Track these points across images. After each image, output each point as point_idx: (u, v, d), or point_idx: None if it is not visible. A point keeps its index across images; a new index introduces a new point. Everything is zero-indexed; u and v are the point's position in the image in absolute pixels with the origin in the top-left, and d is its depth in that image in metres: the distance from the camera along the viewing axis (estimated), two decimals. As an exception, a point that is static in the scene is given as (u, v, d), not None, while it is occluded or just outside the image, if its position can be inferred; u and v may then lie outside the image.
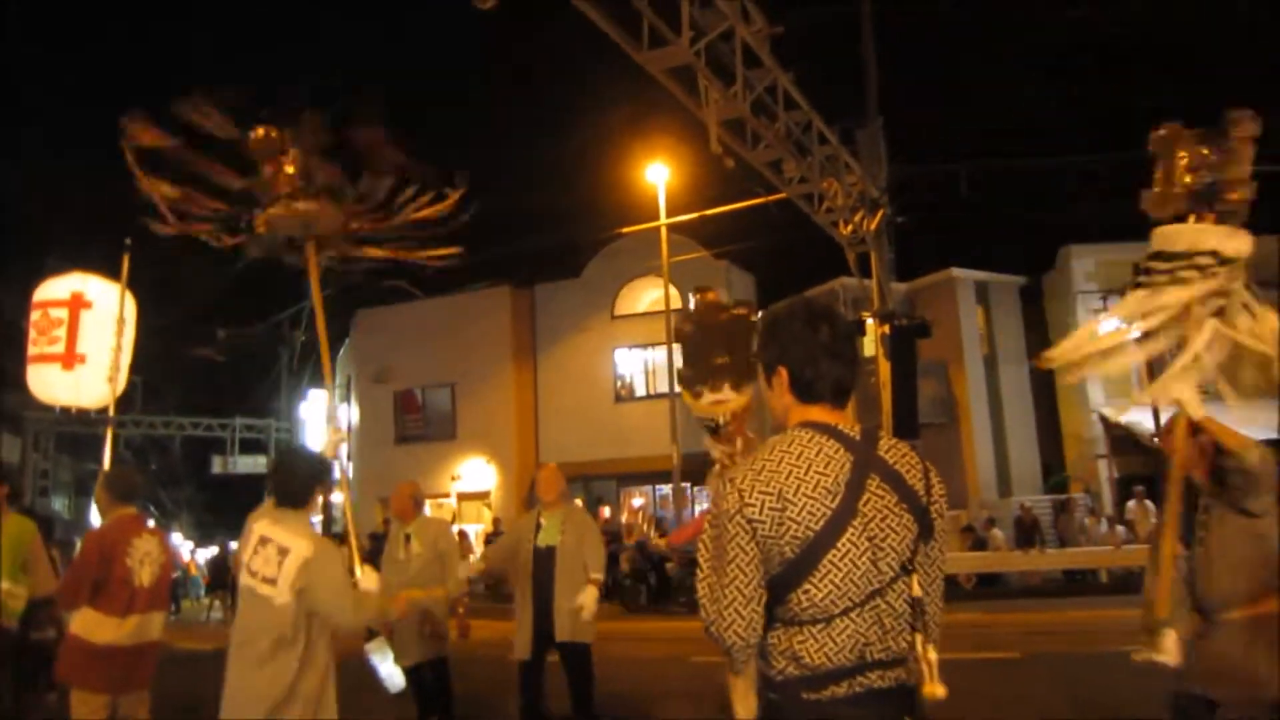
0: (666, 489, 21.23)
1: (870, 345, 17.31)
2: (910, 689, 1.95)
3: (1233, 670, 3.67)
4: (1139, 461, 19.68)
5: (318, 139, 4.97)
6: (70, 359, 6.37)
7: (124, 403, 11.62)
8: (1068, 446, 22.27)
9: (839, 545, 1.91)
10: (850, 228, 16.77)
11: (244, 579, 3.73)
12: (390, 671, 4.93)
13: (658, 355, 22.40)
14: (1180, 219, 4.10)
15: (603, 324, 24.19)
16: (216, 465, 30.20)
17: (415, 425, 26.02)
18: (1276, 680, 3.57)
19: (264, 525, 3.78)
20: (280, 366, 29.62)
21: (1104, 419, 20.67)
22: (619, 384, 24.21)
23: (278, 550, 3.67)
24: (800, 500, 1.92)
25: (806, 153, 13.94)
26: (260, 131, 4.87)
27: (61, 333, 6.38)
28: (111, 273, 6.65)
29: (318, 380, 29.81)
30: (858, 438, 2.02)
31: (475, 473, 24.95)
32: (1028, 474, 22.10)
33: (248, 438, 29.23)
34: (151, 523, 5.54)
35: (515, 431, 24.77)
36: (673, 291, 20.68)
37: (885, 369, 16.77)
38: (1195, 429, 3.84)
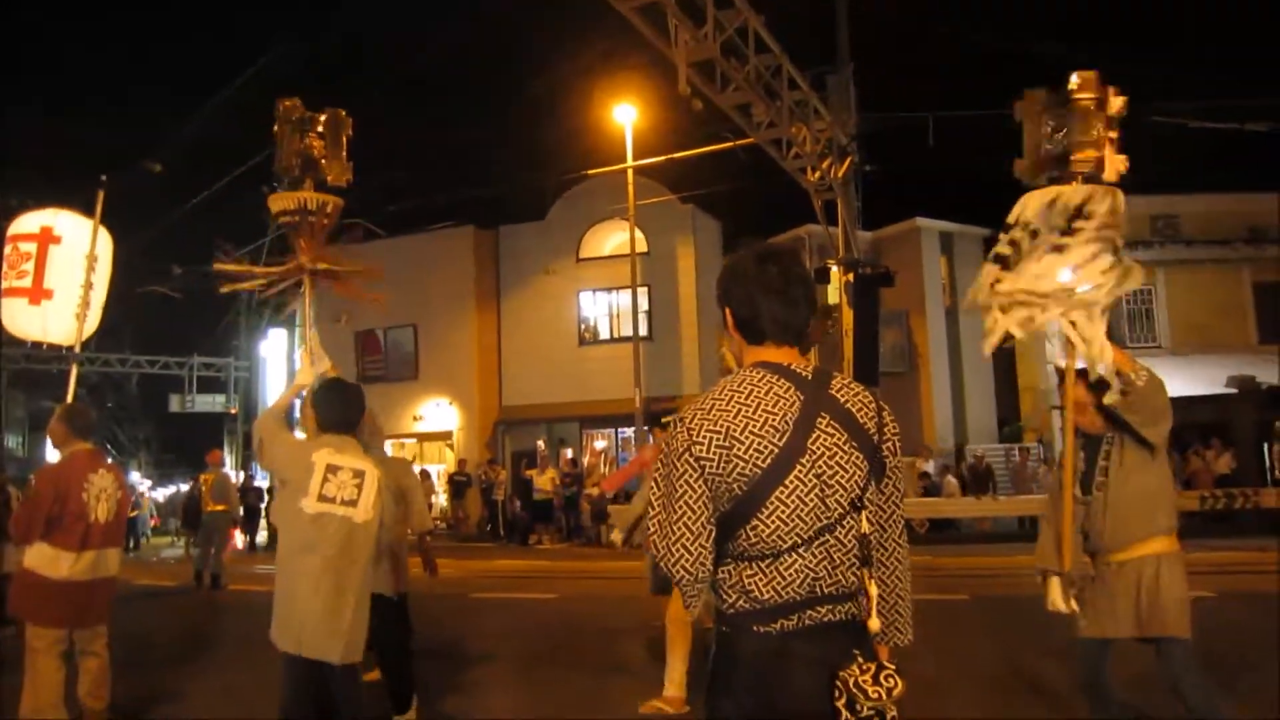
0: (629, 432, 21.38)
1: (834, 293, 17.43)
2: (860, 624, 2.00)
3: (1123, 610, 3.86)
4: (1090, 413, 20.05)
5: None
6: (37, 294, 6.28)
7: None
8: (1023, 398, 22.71)
9: (786, 483, 1.93)
10: (818, 175, 16.74)
11: (312, 506, 3.81)
12: None
13: (622, 299, 22.35)
14: (1054, 183, 4.14)
15: (567, 267, 24.05)
16: (174, 404, 29.87)
17: (376, 366, 25.83)
18: (1157, 618, 3.78)
19: (326, 454, 3.89)
20: (239, 305, 29.16)
21: (1059, 371, 21.02)
22: (583, 327, 24.18)
23: (352, 474, 3.88)
24: (747, 439, 1.94)
25: (776, 97, 13.84)
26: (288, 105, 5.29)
27: (29, 267, 6.27)
28: (86, 209, 6.52)
29: (278, 319, 29.41)
30: (809, 377, 2.04)
31: (437, 414, 24.91)
32: (984, 423, 22.55)
33: (206, 376, 28.90)
34: (109, 459, 5.51)
35: (478, 373, 24.70)
36: (638, 235, 20.57)
37: (848, 317, 16.92)
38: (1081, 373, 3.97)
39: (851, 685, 1.88)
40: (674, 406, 6.36)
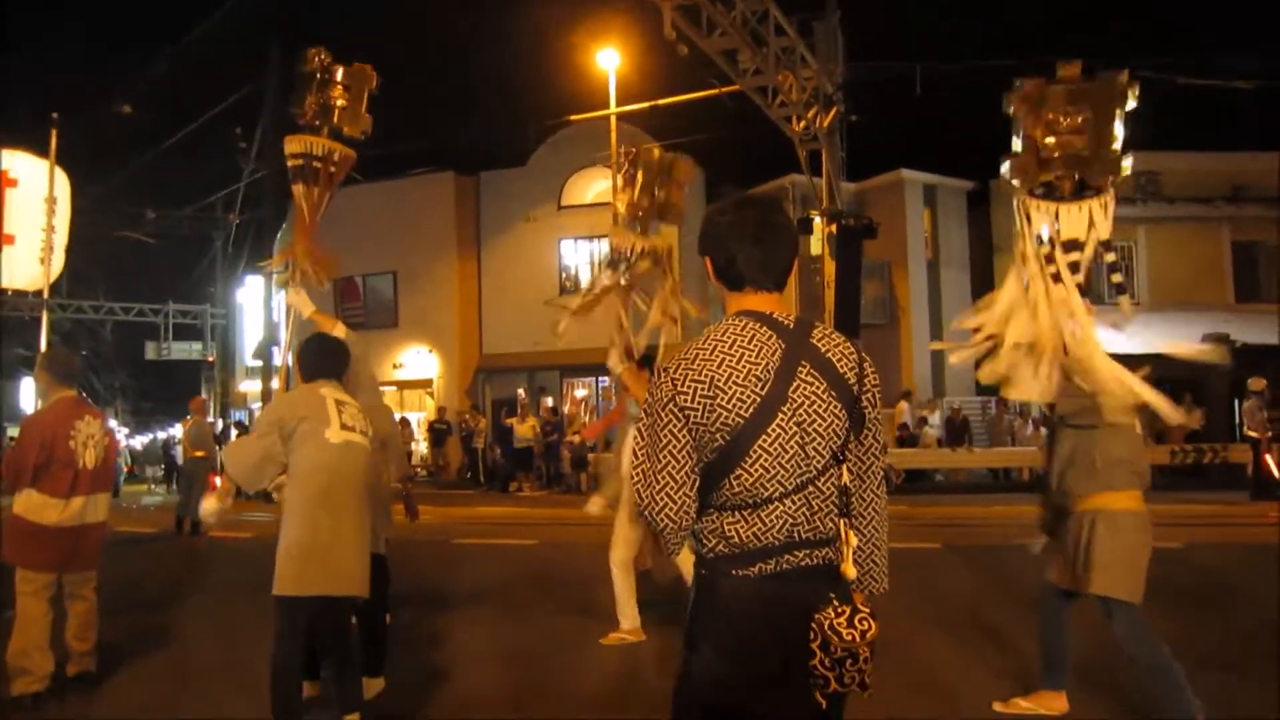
0: (610, 381, 21.41)
1: (817, 244, 17.40)
2: (836, 569, 2.04)
3: (1067, 561, 4.03)
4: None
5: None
6: None
7: (51, 286, 11.25)
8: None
9: (769, 431, 1.95)
10: (803, 124, 16.60)
11: (337, 435, 3.88)
12: None
13: (604, 247, 22.22)
14: (1049, 186, 4.13)
15: (549, 214, 23.84)
16: (150, 351, 29.54)
17: (356, 313, 25.63)
18: (1086, 574, 3.91)
19: (331, 391, 4.01)
20: (214, 250, 28.75)
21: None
22: (564, 275, 24.05)
23: (355, 407, 4.07)
24: (730, 388, 1.95)
25: (762, 44, 13.67)
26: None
27: (-13, 212, 6.12)
28: (41, 150, 6.35)
29: (254, 265, 29.06)
30: (791, 325, 2.05)
31: (417, 361, 24.83)
32: (962, 376, 22.72)
33: (182, 323, 28.56)
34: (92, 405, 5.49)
35: (458, 321, 24.59)
36: (620, 183, 20.38)
37: (830, 268, 16.92)
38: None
39: (826, 628, 1.92)
40: (651, 353, 6.35)
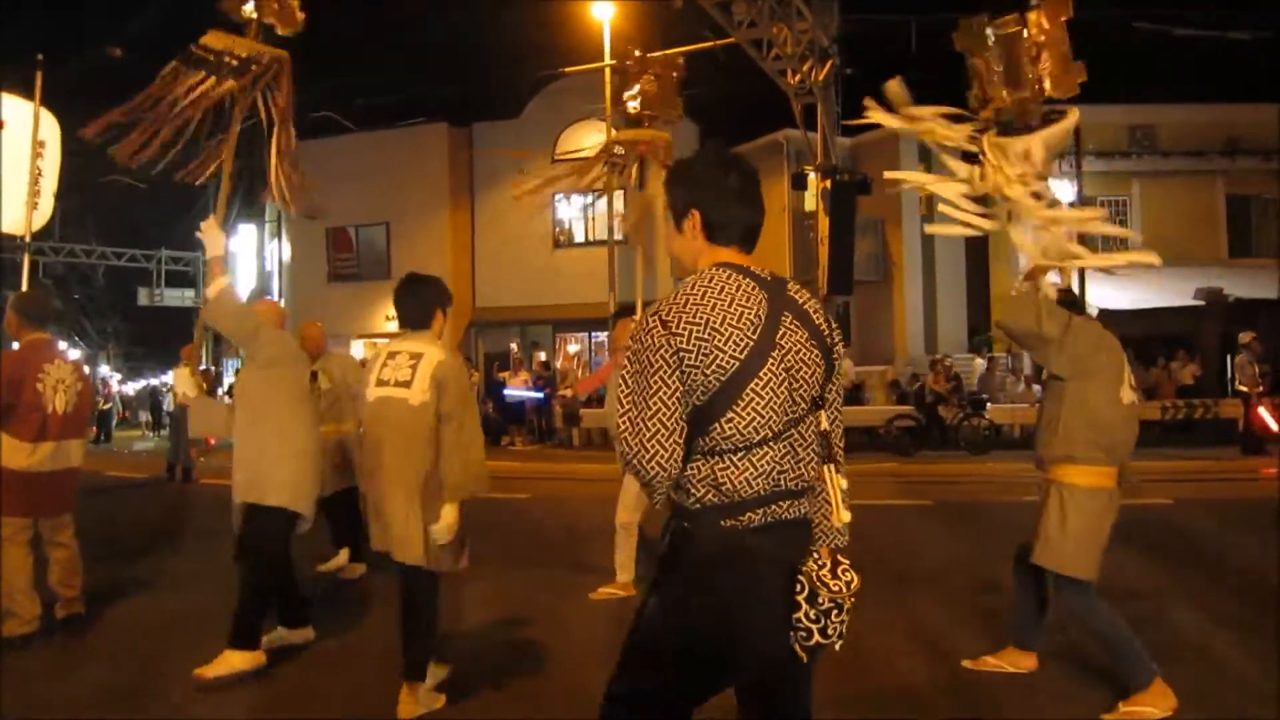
0: (602, 336, 21.41)
1: (810, 200, 17.32)
2: (809, 522, 2.08)
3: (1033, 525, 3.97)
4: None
5: None
6: None
7: (42, 230, 11.08)
8: (995, 308, 22.88)
9: (760, 375, 1.97)
10: (798, 77, 16.43)
11: (373, 392, 3.86)
12: None
13: (598, 201, 22.08)
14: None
15: (542, 168, 23.58)
16: (142, 297, 29.42)
17: (348, 264, 25.53)
18: (1036, 544, 3.88)
19: (392, 345, 3.99)
20: (207, 197, 28.48)
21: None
22: (558, 229, 23.92)
23: (409, 356, 3.84)
24: (726, 330, 1.97)
25: (758, -5, 13.46)
26: None
27: (-27, 156, 6.03)
28: (28, 92, 6.25)
29: (246, 213, 28.84)
30: (769, 278, 2.09)
31: (412, 313, 24.75)
32: (954, 333, 22.75)
33: (175, 270, 28.44)
34: (75, 351, 5.47)
35: (451, 273, 24.44)
36: (614, 135, 20.16)
37: (824, 224, 16.86)
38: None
39: (814, 579, 1.97)
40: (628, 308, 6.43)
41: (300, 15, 5.05)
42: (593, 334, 22.87)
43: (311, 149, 25.20)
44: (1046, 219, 3.90)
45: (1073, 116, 4.02)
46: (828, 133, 16.95)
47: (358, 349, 23.99)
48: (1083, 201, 19.56)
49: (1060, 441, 3.83)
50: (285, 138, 5.16)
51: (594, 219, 23.26)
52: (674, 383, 1.95)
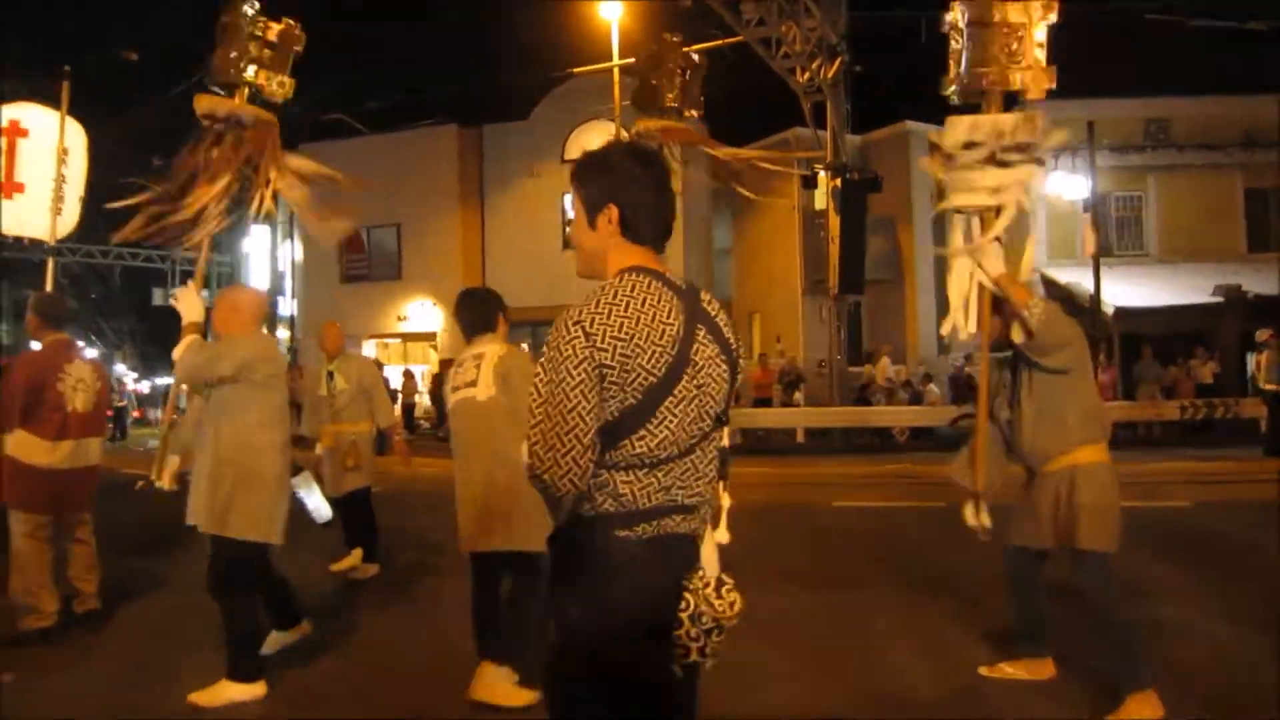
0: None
1: (821, 199, 17.26)
2: (696, 539, 2.01)
3: (1044, 521, 3.95)
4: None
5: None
6: (9, 188, 6.26)
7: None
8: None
9: (675, 392, 1.92)
10: (807, 75, 16.38)
11: (450, 400, 4.07)
12: (318, 504, 5.10)
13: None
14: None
15: (552, 168, 23.63)
16: (158, 297, 29.64)
17: (360, 265, 25.61)
18: (1069, 530, 3.86)
19: (459, 355, 4.14)
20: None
21: (1045, 280, 21.05)
22: (567, 230, 23.90)
23: (473, 358, 4.04)
24: (649, 346, 1.90)
25: (767, -7, 13.43)
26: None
27: (0, 161, 6.21)
28: (53, 101, 6.39)
29: (259, 216, 28.95)
30: (684, 286, 2.02)
31: (421, 314, 24.81)
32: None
33: (189, 270, 28.53)
34: (92, 351, 5.54)
35: (462, 274, 24.51)
36: (624, 137, 20.15)
37: (835, 223, 16.80)
38: (997, 302, 4.10)
39: (699, 597, 1.91)
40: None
41: (291, 81, 5.09)
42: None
43: (323, 151, 25.28)
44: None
45: (1036, 115, 4.07)
46: (837, 130, 16.90)
47: (369, 349, 24.06)
48: (1096, 201, 19.36)
49: (1076, 427, 3.88)
50: (290, 188, 5.10)
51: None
52: (593, 397, 1.86)
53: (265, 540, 4.15)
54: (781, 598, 5.56)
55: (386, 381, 21.42)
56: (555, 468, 1.85)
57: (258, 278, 28.74)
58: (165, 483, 4.72)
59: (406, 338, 25.08)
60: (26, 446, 4.84)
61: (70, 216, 6.41)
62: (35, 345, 5.31)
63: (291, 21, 5.10)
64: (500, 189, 24.44)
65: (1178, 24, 16.11)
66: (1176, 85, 20.84)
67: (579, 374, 1.86)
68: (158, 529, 8.45)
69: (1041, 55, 4.17)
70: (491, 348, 4.05)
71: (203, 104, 4.93)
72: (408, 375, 21.94)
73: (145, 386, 39.87)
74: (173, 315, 4.58)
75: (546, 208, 23.88)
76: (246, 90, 4.99)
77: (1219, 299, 18.84)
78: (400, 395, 20.10)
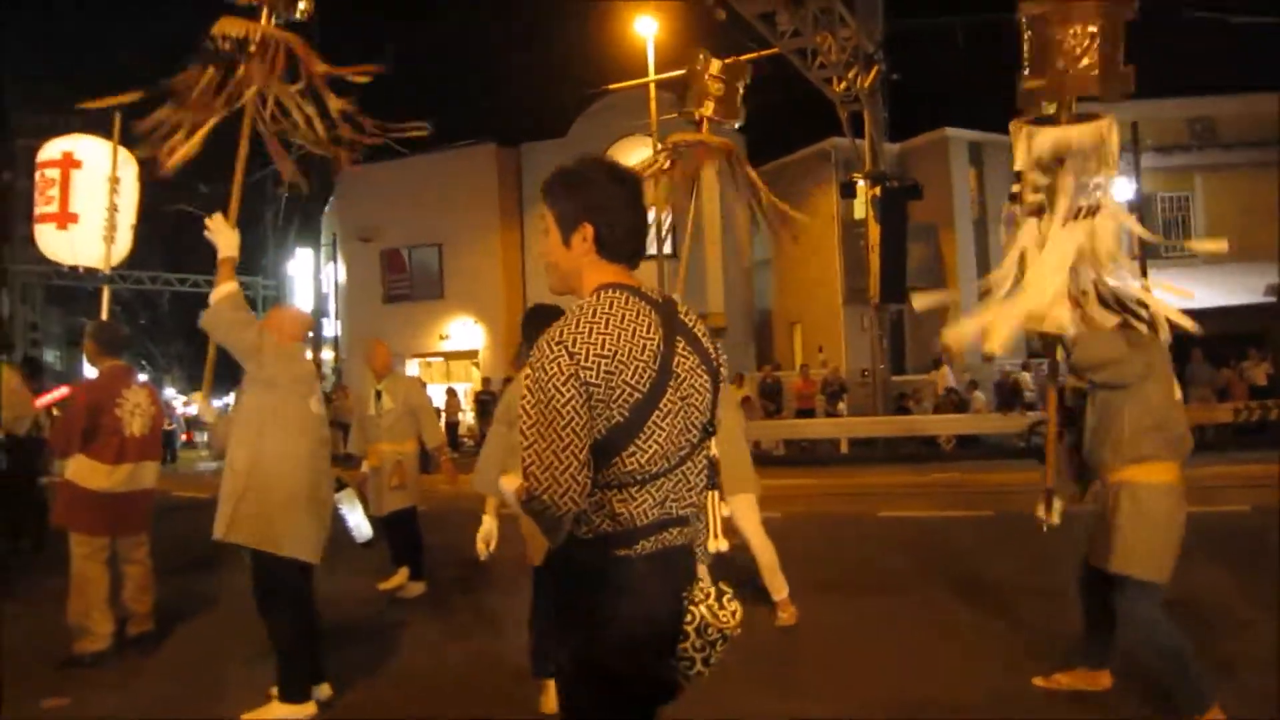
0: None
1: (860, 208, 17.18)
2: (694, 549, 2.02)
3: (1096, 537, 3.87)
4: (1122, 326, 19.89)
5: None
6: (64, 218, 6.44)
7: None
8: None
9: (661, 406, 1.92)
10: (844, 85, 16.34)
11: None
12: (359, 521, 5.13)
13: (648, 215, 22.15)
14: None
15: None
16: (205, 323, 30.30)
17: (402, 285, 25.93)
18: (1104, 549, 3.76)
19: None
20: (265, 223, 29.27)
21: (1093, 285, 20.73)
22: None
23: None
24: (631, 363, 1.90)
25: (800, 4, 13.45)
26: None
27: (55, 193, 6.42)
28: (106, 132, 6.60)
29: (304, 238, 29.49)
30: (660, 300, 2.02)
31: (463, 332, 25.06)
32: (1013, 338, 22.32)
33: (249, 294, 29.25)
34: (143, 376, 5.67)
35: (503, 292, 24.75)
36: (661, 150, 20.24)
37: (875, 232, 16.70)
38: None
39: (703, 610, 1.92)
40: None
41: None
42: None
43: (367, 173, 25.79)
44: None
45: (1107, 120, 3.96)
46: (875, 139, 16.81)
47: (412, 368, 24.34)
48: (1142, 201, 19.08)
49: (1129, 443, 3.74)
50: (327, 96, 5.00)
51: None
52: (584, 414, 1.86)
53: (293, 556, 4.05)
54: (825, 607, 5.57)
55: (454, 396, 21.79)
56: (555, 486, 1.83)
57: (302, 299, 29.28)
58: None
59: (449, 356, 25.32)
60: (86, 471, 4.97)
61: (123, 245, 6.58)
62: (91, 371, 5.45)
63: None
64: (539, 206, 24.60)
65: (1220, 22, 15.84)
66: (1220, 84, 20.52)
67: (568, 391, 1.85)
68: (210, 548, 8.63)
69: (1116, 55, 3.97)
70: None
71: (224, 26, 4.80)
72: (450, 393, 22.14)
73: (194, 410, 40.68)
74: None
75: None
76: (270, 16, 4.83)
77: (1271, 299, 18.44)
78: (444, 414, 20.28)
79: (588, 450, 1.86)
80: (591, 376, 1.86)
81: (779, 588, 5.37)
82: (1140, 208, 19.17)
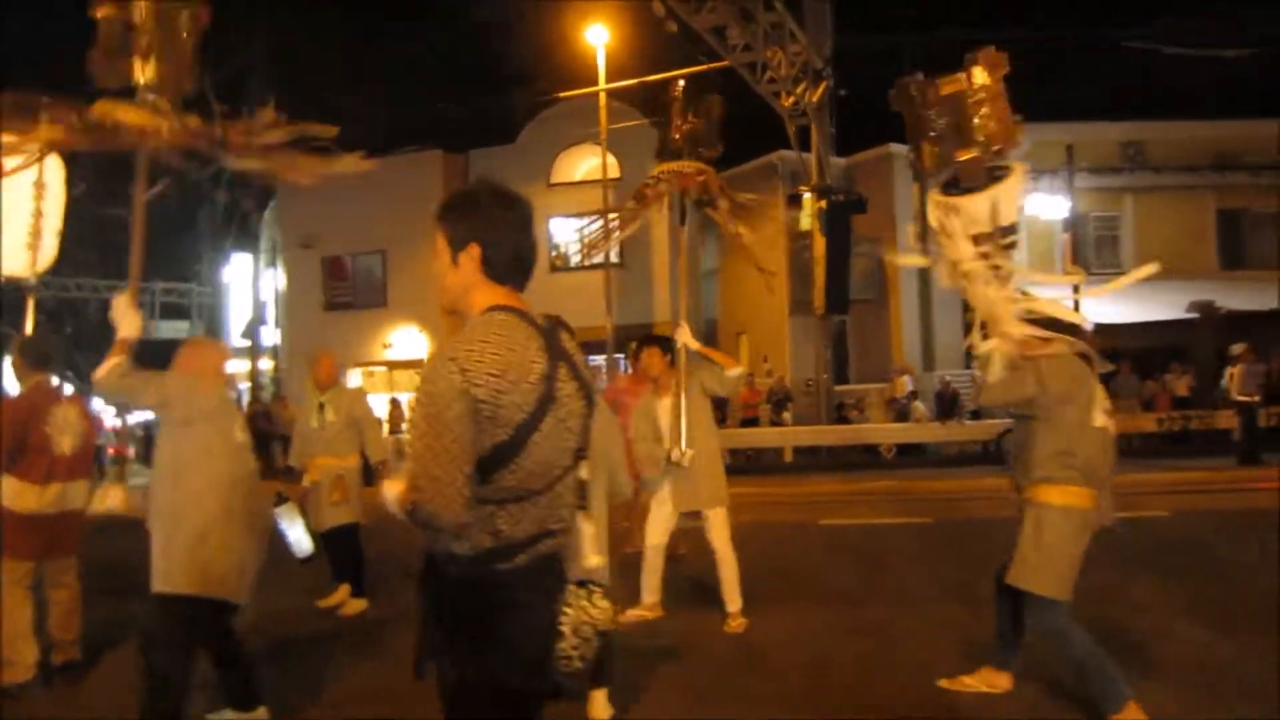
0: (600, 360, 21.42)
1: (807, 220, 17.40)
2: (563, 555, 2.13)
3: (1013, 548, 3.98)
4: (1055, 340, 20.50)
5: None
6: None
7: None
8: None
9: (542, 427, 2.00)
10: (792, 99, 16.55)
11: None
12: (299, 537, 4.99)
13: (594, 225, 22.14)
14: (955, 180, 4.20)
15: (538, 192, 23.67)
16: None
17: (344, 292, 25.53)
18: (1012, 565, 3.90)
19: None
20: (201, 229, 28.59)
21: (1026, 297, 21.30)
22: (554, 253, 23.97)
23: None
24: (520, 383, 1.97)
25: (751, 19, 13.61)
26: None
27: (-25, 199, 6.12)
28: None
29: (241, 243, 28.88)
30: (544, 324, 2.10)
31: (407, 341, 24.75)
32: (951, 349, 22.77)
33: (168, 302, 28.47)
34: (70, 390, 5.42)
35: (448, 300, 24.52)
36: (610, 160, 20.28)
37: (820, 244, 16.92)
38: None
39: (576, 610, 2.03)
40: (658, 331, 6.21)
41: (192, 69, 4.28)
42: (590, 358, 22.81)
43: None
44: (987, 296, 4.07)
45: (1019, 172, 4.08)
46: (822, 153, 17.06)
47: (355, 378, 23.97)
48: (1075, 220, 19.70)
49: (1037, 464, 3.88)
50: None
51: (589, 242, 23.30)
52: (472, 430, 1.93)
53: (223, 597, 3.87)
54: (768, 615, 5.64)
55: (398, 406, 21.46)
56: (439, 498, 1.91)
57: (239, 306, 28.66)
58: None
59: (392, 365, 24.97)
60: (14, 493, 4.70)
61: (48, 250, 6.33)
62: (12, 386, 5.12)
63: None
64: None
65: (1154, 51, 16.50)
66: (1152, 109, 21.36)
67: (457, 407, 1.92)
68: (141, 572, 8.35)
69: (1006, 109, 4.11)
70: None
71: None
72: (394, 404, 21.85)
73: (121, 423, 39.45)
74: (151, 349, 4.35)
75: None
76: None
77: (1194, 315, 19.25)
78: (387, 425, 19.99)
79: (472, 466, 1.93)
80: (481, 394, 1.93)
81: (735, 600, 5.56)
82: (1074, 225, 19.85)
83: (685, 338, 5.72)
